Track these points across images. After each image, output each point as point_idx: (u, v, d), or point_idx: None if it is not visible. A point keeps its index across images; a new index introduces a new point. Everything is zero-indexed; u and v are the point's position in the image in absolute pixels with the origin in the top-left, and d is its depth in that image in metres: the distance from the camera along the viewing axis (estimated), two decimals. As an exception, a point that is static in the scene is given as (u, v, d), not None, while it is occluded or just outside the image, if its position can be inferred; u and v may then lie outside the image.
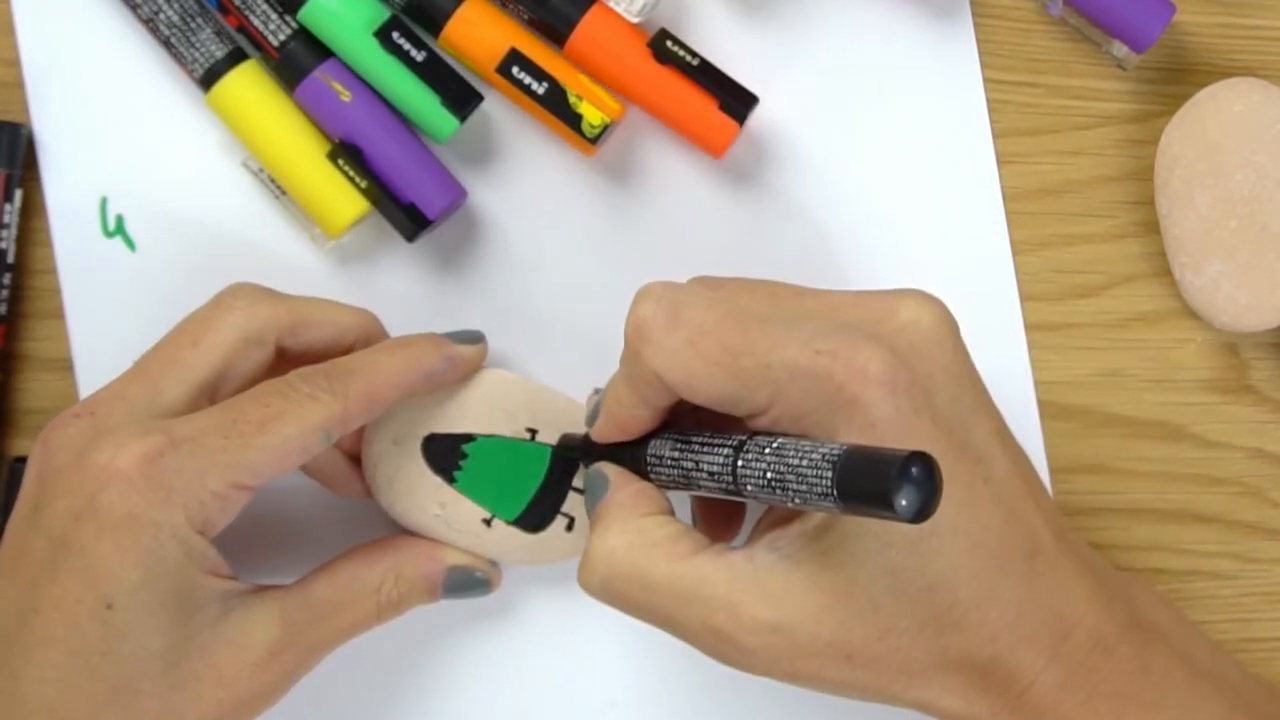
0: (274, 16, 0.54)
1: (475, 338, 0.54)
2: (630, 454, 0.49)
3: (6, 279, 0.55)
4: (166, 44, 0.55)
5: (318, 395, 0.48)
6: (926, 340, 0.45)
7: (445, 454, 0.53)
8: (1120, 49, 0.55)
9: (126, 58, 0.56)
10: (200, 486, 0.46)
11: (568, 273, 0.56)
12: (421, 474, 0.53)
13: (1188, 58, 0.57)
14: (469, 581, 0.53)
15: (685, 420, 0.49)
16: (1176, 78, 0.57)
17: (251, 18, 0.54)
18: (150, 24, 0.54)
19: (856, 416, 0.43)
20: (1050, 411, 0.57)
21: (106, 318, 0.56)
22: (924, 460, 0.38)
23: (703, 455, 0.46)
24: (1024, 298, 0.57)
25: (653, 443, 0.48)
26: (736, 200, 0.57)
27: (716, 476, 0.45)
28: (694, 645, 0.46)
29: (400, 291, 0.56)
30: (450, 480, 0.53)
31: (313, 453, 0.49)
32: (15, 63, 0.56)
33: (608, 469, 0.49)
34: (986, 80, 0.57)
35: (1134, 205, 0.57)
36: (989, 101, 0.57)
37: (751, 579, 0.45)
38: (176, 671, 0.46)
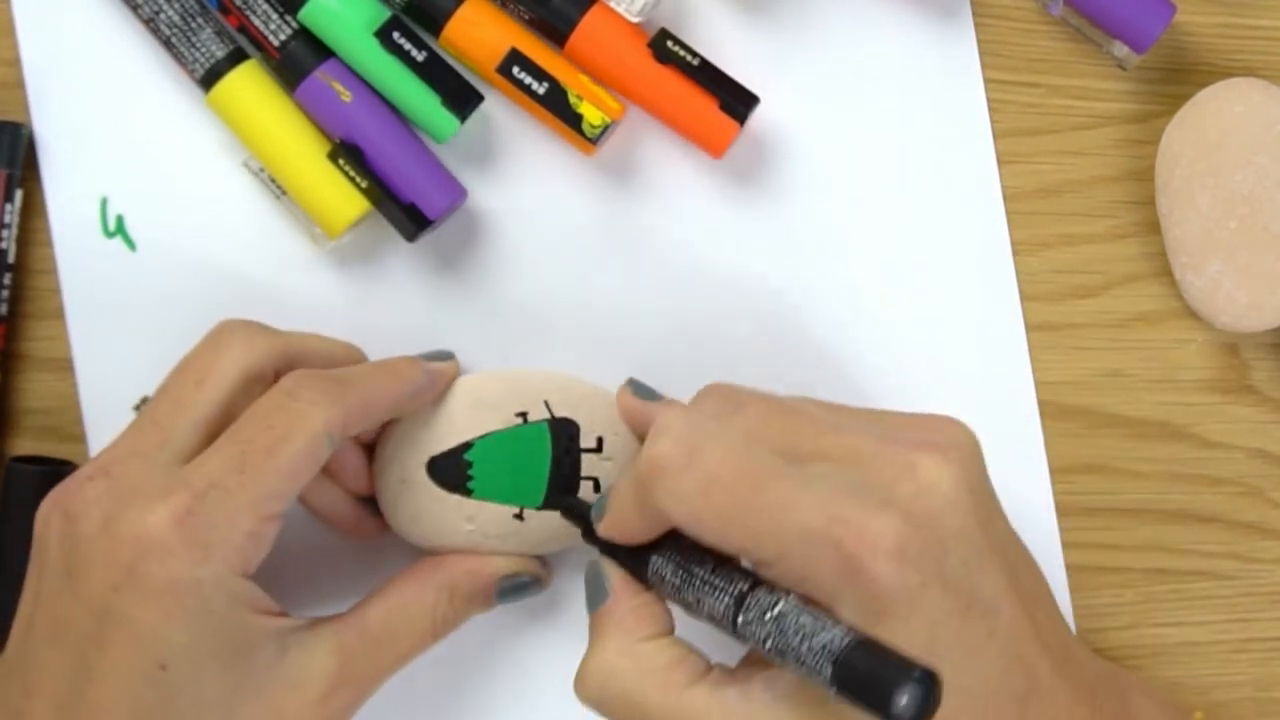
0: (275, 16, 0.54)
1: (445, 356, 0.55)
2: (632, 554, 0.49)
3: (7, 279, 0.55)
4: (167, 44, 0.55)
5: (317, 400, 0.48)
6: (943, 506, 0.45)
7: (452, 470, 0.53)
8: (1121, 49, 0.55)
9: (127, 58, 0.56)
10: (234, 531, 0.46)
11: (568, 273, 0.56)
12: (439, 499, 0.53)
13: (1188, 58, 0.57)
14: (521, 585, 0.54)
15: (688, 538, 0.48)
16: (1177, 78, 0.57)
17: (252, 18, 0.54)
18: (151, 24, 0.55)
19: (861, 587, 0.43)
20: (1050, 412, 0.57)
21: (106, 318, 0.56)
22: (927, 676, 0.39)
23: (704, 594, 0.46)
24: (1024, 298, 0.57)
25: (655, 560, 0.48)
26: (736, 200, 0.57)
27: (716, 620, 0.46)
28: None
29: (400, 291, 0.56)
30: (468, 493, 0.53)
31: (322, 459, 0.49)
32: (16, 63, 0.56)
33: (610, 572, 0.49)
34: (987, 80, 0.57)
35: (1134, 205, 0.57)
36: (989, 101, 0.57)
37: (747, 714, 0.45)
38: (236, 716, 0.47)
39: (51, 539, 0.48)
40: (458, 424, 0.53)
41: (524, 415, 0.53)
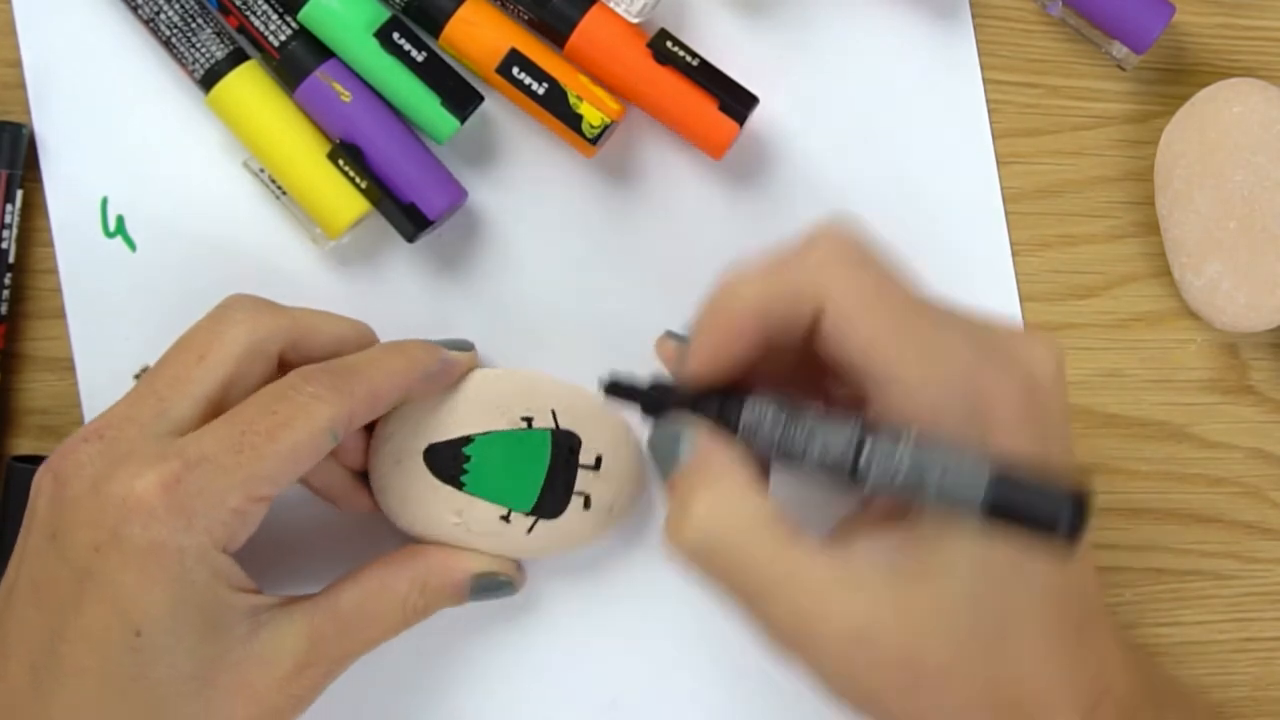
0: (274, 17, 0.54)
1: (465, 345, 0.54)
2: (715, 410, 0.46)
3: (7, 279, 0.55)
4: (167, 44, 0.55)
5: (322, 395, 0.48)
6: (1054, 384, 0.45)
7: (448, 461, 0.53)
8: (1120, 49, 0.56)
9: (127, 58, 0.56)
10: (220, 506, 0.46)
11: (568, 273, 0.56)
12: (431, 487, 0.53)
13: (1187, 58, 0.57)
14: (494, 584, 0.53)
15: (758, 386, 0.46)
16: (1176, 78, 0.57)
17: (252, 18, 0.54)
18: (151, 24, 0.55)
19: (983, 428, 0.43)
20: (1050, 412, 0.57)
21: (107, 318, 0.56)
22: (1086, 495, 0.39)
23: (818, 431, 0.44)
24: (1024, 298, 0.57)
25: (751, 402, 0.45)
26: (736, 200, 0.57)
27: (829, 462, 0.43)
28: (766, 630, 0.44)
29: (400, 291, 0.56)
30: (459, 486, 0.53)
31: (323, 453, 0.49)
32: (16, 63, 0.56)
33: (693, 425, 0.46)
34: (986, 81, 0.57)
35: (1134, 205, 0.57)
36: (989, 102, 0.57)
37: (848, 580, 0.44)
38: (209, 690, 0.47)
39: (41, 501, 0.48)
40: (462, 416, 0.53)
41: (529, 420, 0.53)
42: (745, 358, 0.46)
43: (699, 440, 0.46)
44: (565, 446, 0.54)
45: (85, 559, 0.46)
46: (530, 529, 0.53)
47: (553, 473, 0.53)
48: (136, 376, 0.54)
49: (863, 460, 0.43)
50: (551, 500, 0.53)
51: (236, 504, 0.47)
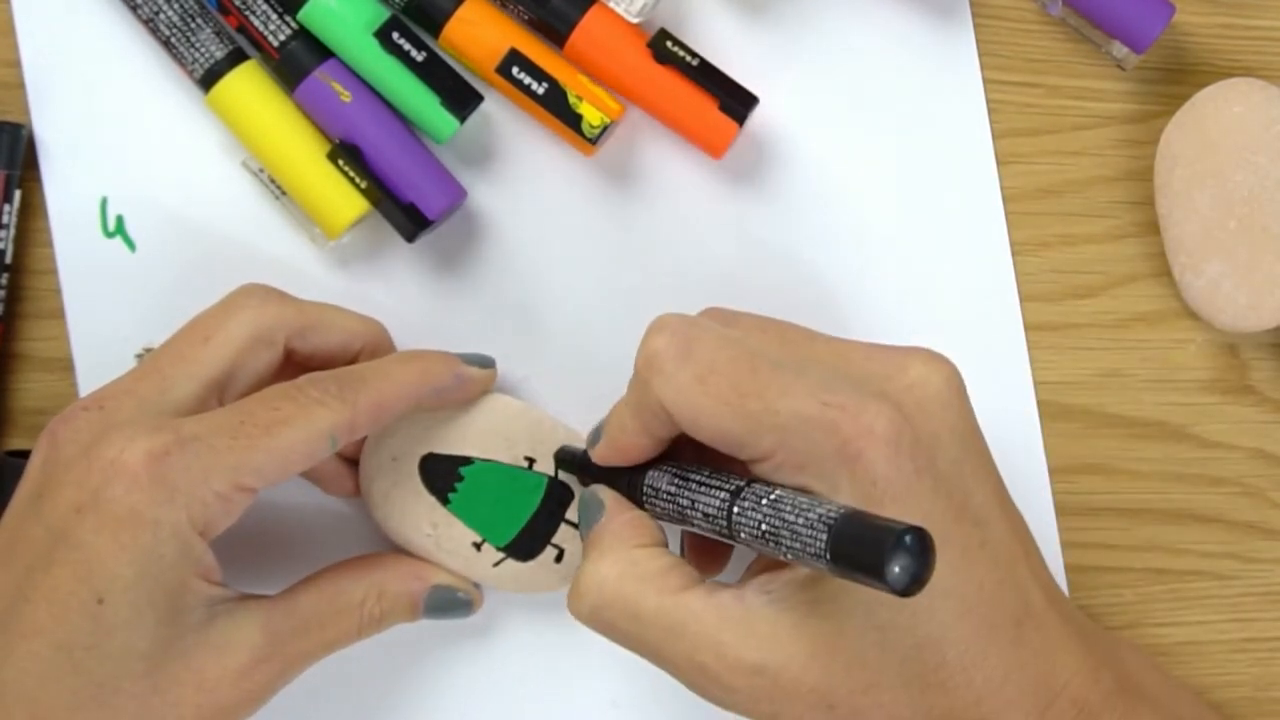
0: (274, 17, 0.54)
1: (486, 362, 0.54)
2: (627, 480, 0.49)
3: (5, 279, 0.55)
4: (167, 44, 0.55)
5: (326, 401, 0.49)
6: (934, 400, 0.45)
7: (442, 475, 0.53)
8: (1120, 49, 0.55)
9: (127, 58, 0.56)
10: (204, 487, 0.46)
11: (567, 273, 0.56)
12: (417, 492, 0.53)
13: (1188, 58, 0.57)
14: (451, 601, 0.53)
15: (686, 453, 0.49)
16: (1176, 78, 0.57)
17: (252, 18, 0.54)
18: (150, 24, 0.55)
19: (858, 473, 0.43)
20: (1050, 412, 0.57)
21: (106, 318, 0.56)
22: (919, 534, 0.38)
23: (699, 495, 0.46)
24: (1024, 298, 0.57)
25: (650, 474, 0.48)
26: (736, 200, 0.57)
27: (711, 519, 0.46)
28: (679, 679, 0.46)
29: (400, 292, 0.56)
30: (444, 501, 0.53)
31: (318, 458, 0.49)
32: (15, 63, 0.56)
33: (603, 493, 0.49)
34: (986, 80, 0.57)
35: (1134, 205, 0.57)
36: (989, 101, 0.57)
37: (740, 619, 0.45)
38: (159, 673, 0.47)
39: (36, 461, 0.48)
40: (470, 436, 0.53)
41: (532, 461, 0.53)
42: (647, 451, 0.48)
43: (608, 503, 0.49)
44: (556, 498, 0.54)
45: (63, 519, 0.46)
46: (497, 563, 0.53)
47: (536, 519, 0.53)
48: (138, 356, 0.55)
49: (734, 513, 0.45)
50: (527, 544, 0.53)
51: (220, 488, 0.47)
